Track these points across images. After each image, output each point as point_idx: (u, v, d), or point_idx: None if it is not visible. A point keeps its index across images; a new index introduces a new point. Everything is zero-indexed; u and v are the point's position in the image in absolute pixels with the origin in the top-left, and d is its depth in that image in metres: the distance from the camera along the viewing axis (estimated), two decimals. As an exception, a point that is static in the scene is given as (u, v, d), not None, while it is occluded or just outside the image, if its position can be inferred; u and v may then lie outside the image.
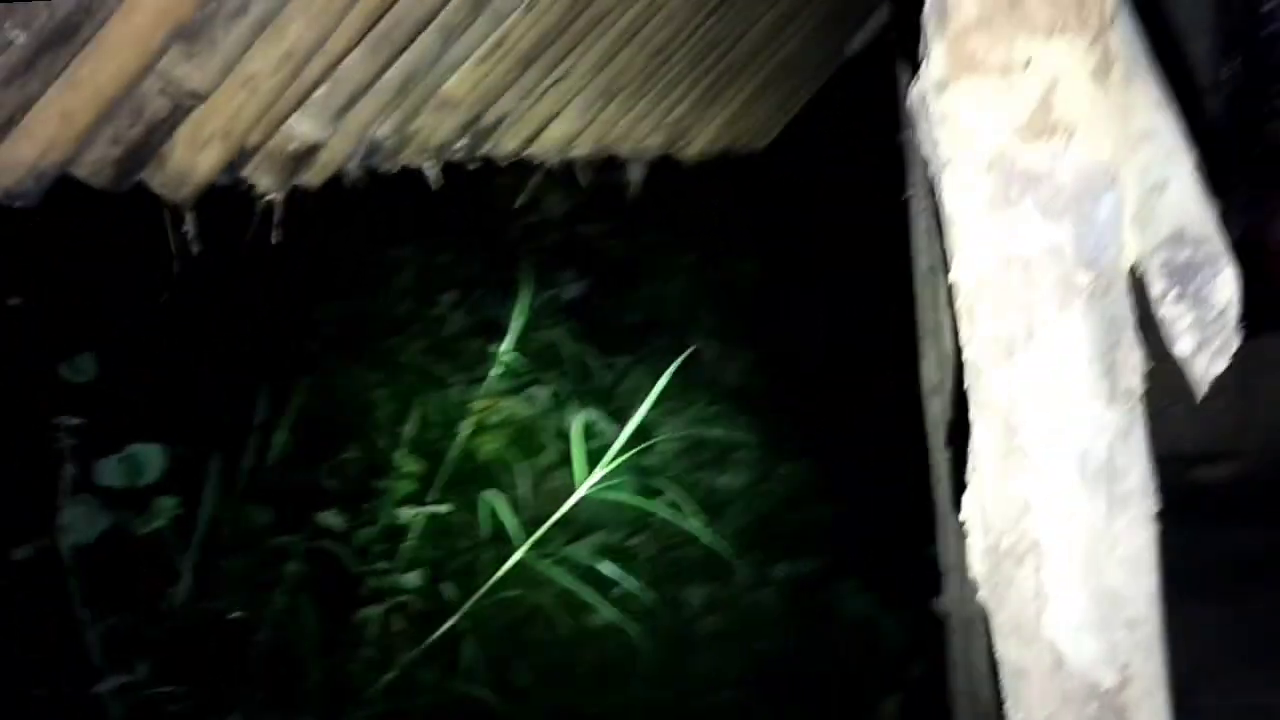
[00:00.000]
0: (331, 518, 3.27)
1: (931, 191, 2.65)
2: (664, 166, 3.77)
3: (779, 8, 3.34)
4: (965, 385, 1.07)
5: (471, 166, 2.66)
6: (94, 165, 1.57)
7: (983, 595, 1.02)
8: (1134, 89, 1.06)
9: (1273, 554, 3.55)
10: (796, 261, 7.08)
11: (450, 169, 2.54)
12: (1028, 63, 0.98)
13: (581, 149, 3.08)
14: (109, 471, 2.46)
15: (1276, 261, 4.17)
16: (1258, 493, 3.52)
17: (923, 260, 2.57)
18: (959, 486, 1.09)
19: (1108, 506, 0.97)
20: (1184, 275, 0.97)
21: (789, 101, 4.23)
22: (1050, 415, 0.99)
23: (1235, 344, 0.94)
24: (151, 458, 2.48)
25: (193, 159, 1.70)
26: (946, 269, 2.48)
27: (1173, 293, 0.97)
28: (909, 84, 0.99)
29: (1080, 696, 0.98)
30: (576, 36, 2.48)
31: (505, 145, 2.71)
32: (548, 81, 2.57)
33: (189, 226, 1.78)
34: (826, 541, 4.89)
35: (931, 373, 2.62)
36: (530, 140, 2.78)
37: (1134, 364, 0.99)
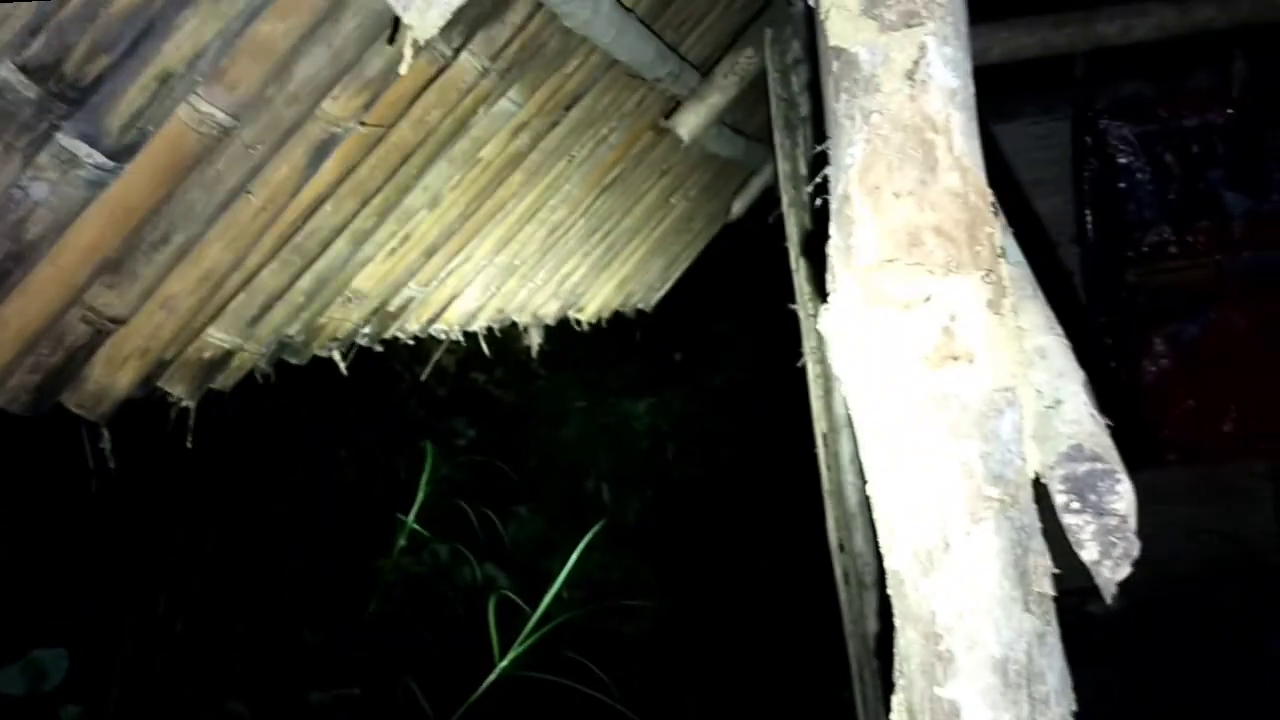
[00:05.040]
0: (238, 706, 3.19)
1: (823, 359, 2.75)
2: (558, 324, 3.86)
3: (665, 180, 3.48)
4: (888, 590, 1.13)
5: (377, 349, 2.69)
6: (12, 392, 1.56)
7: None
8: (1025, 313, 1.16)
9: (1158, 683, 3.70)
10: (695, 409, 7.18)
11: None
12: (928, 298, 1.07)
13: (482, 320, 3.14)
14: (9, 679, 2.36)
15: (1147, 399, 4.36)
16: (1142, 624, 3.66)
17: (821, 424, 2.66)
18: (887, 687, 1.14)
19: (1030, 709, 1.04)
20: (1084, 487, 1.05)
21: (676, 262, 4.37)
22: (972, 623, 1.05)
23: (1136, 551, 1.01)
24: (54, 662, 2.39)
25: (111, 377, 1.70)
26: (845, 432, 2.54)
27: (1075, 504, 1.04)
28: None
29: None
30: (478, 224, 2.55)
31: (409, 326, 2.75)
32: (451, 266, 2.63)
33: (105, 441, 1.77)
34: (734, 691, 4.88)
35: (835, 531, 2.68)
36: (434, 319, 2.83)
37: (1044, 569, 1.07)
